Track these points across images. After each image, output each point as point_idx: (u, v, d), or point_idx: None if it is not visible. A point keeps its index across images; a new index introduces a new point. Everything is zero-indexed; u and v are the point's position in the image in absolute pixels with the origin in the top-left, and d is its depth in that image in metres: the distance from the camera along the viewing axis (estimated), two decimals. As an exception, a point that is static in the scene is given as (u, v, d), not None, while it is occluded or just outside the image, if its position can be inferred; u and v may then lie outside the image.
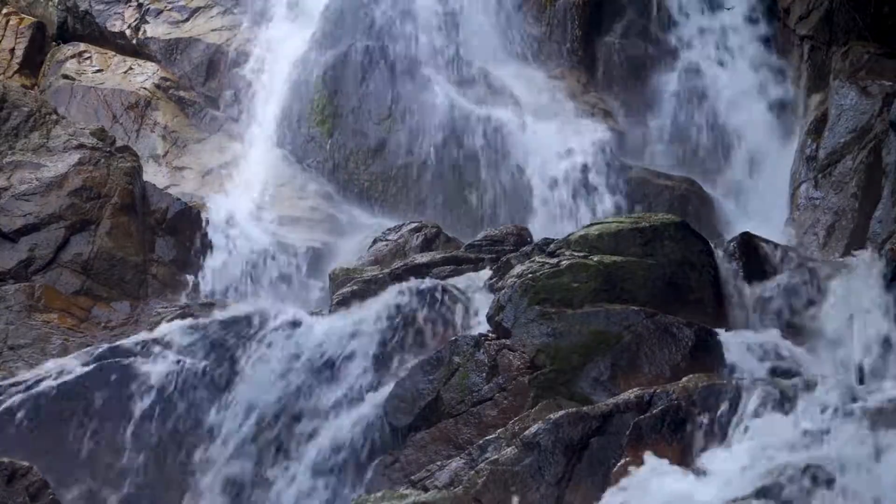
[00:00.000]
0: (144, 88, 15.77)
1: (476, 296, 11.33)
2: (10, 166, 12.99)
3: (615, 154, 15.16)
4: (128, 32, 16.41)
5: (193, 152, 15.38)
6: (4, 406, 10.59)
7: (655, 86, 16.12)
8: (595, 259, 10.72)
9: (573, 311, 10.39)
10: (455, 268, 12.09)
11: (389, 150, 15.17)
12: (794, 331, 10.76)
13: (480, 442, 9.57)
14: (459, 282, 11.63)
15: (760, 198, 15.09)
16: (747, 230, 11.95)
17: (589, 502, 8.78)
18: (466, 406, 10.12)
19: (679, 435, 8.95)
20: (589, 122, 15.53)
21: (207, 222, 13.70)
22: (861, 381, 10.06)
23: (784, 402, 8.99)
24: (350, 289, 11.93)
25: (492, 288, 11.32)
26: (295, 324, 11.29)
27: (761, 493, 8.26)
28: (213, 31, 16.38)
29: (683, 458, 8.83)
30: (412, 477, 9.60)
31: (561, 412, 9.26)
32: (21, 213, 12.69)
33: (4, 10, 16.39)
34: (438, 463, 9.61)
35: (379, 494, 9.33)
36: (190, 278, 13.22)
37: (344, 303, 11.76)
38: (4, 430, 10.45)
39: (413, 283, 11.45)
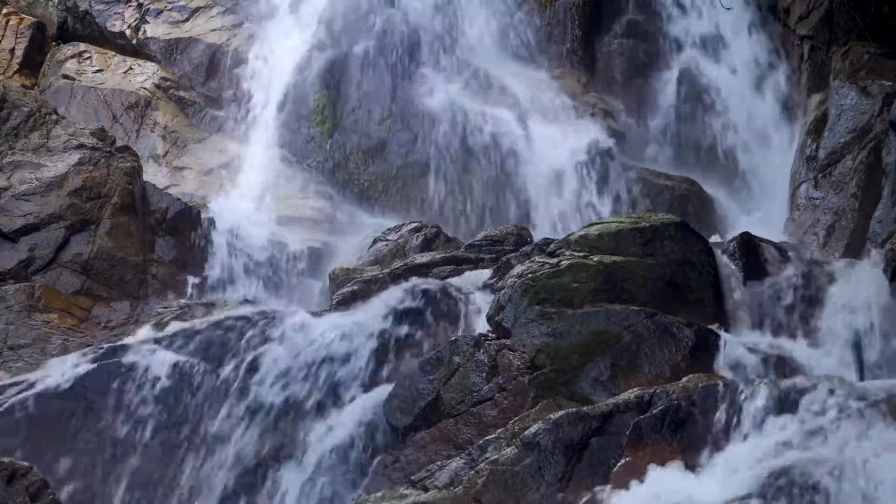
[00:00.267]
0: (144, 88, 15.77)
1: (476, 296, 11.33)
2: (10, 166, 13.00)
3: (615, 154, 15.16)
4: (128, 32, 16.41)
5: (193, 152, 15.38)
6: (4, 406, 10.59)
7: (655, 86, 16.13)
8: (595, 259, 10.72)
9: (573, 311, 10.39)
10: (455, 268, 12.09)
11: (389, 150, 15.18)
12: (793, 330, 10.76)
13: (480, 442, 9.57)
14: (459, 282, 11.63)
15: (760, 198, 15.10)
16: (747, 230, 11.96)
17: (589, 503, 8.78)
18: (466, 406, 10.12)
19: (679, 435, 8.95)
20: (589, 122, 15.54)
21: (207, 222, 13.70)
22: (861, 380, 10.06)
23: (784, 402, 8.99)
24: (350, 289, 11.93)
25: (492, 288, 11.32)
26: (295, 324, 11.28)
27: (761, 493, 8.25)
28: (213, 31, 16.39)
29: (683, 458, 8.83)
30: (412, 477, 9.60)
31: (561, 412, 9.25)
32: (21, 213, 12.69)
33: (4, 10, 16.39)
34: (438, 463, 9.61)
35: (379, 494, 9.33)
36: (190, 278, 13.22)
37: (344, 303, 11.76)
38: (4, 430, 10.45)
39: (413, 283, 11.45)
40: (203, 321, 11.45)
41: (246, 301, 12.56)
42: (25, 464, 8.84)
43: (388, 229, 13.50)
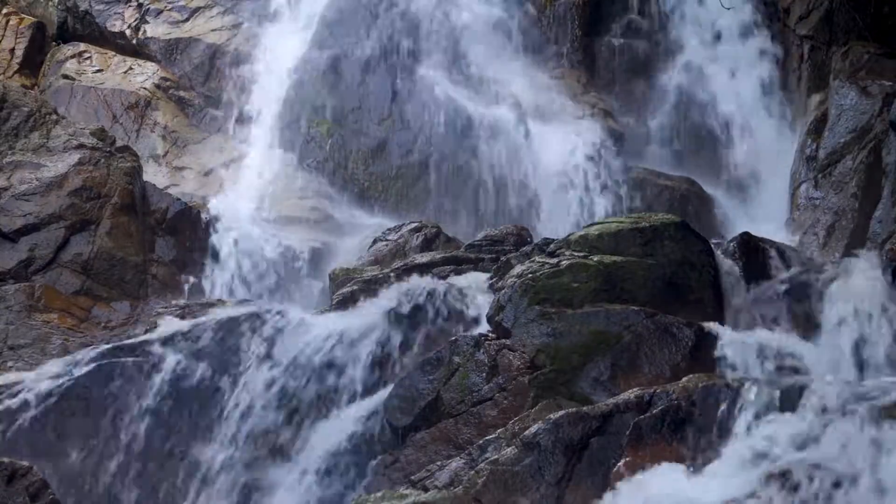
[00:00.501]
0: (144, 88, 15.77)
1: (476, 296, 11.33)
2: (10, 166, 12.99)
3: (615, 154, 15.16)
4: (128, 32, 16.41)
5: (193, 152, 15.38)
6: (4, 406, 10.59)
7: (655, 86, 16.12)
8: (595, 259, 10.72)
9: (573, 311, 10.39)
10: (455, 268, 12.09)
11: (389, 150, 15.18)
12: (793, 330, 10.76)
13: (480, 442, 9.57)
14: (459, 282, 11.63)
15: (760, 198, 15.10)
16: (747, 230, 11.96)
17: (589, 502, 8.78)
18: (466, 406, 10.12)
19: (679, 435, 8.95)
20: (589, 122, 15.53)
21: (207, 222, 13.69)
22: (861, 380, 10.06)
23: (784, 402, 8.99)
24: (350, 289, 11.93)
25: (492, 288, 11.32)
26: (295, 324, 11.29)
27: (761, 493, 8.25)
28: (213, 31, 16.38)
29: (683, 458, 8.83)
30: (412, 477, 9.60)
31: (561, 412, 9.25)
32: (21, 213, 12.69)
33: (4, 10, 16.39)
34: (438, 463, 9.61)
35: (379, 494, 9.33)
36: (190, 278, 13.21)
37: (344, 303, 11.76)
38: (4, 430, 10.45)
39: (413, 283, 11.45)
40: (203, 321, 11.45)
41: (246, 301, 12.55)
42: (25, 464, 8.84)
43: (388, 229, 13.50)
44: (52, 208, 12.74)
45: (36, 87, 15.70)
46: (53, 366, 11.08)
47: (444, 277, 11.76)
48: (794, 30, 15.49)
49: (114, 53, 16.29)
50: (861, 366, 10.38)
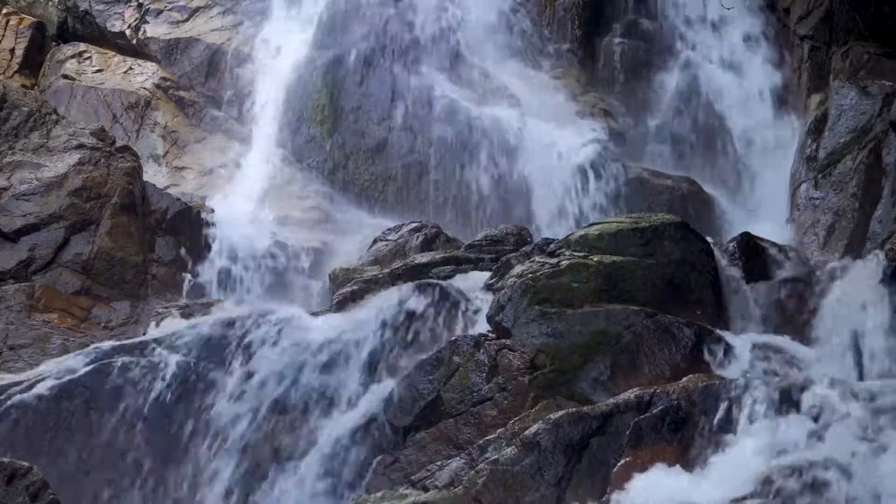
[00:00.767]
0: (144, 88, 15.77)
1: (476, 296, 11.33)
2: (10, 166, 12.99)
3: (615, 154, 15.15)
4: (128, 32, 16.41)
5: (193, 152, 15.38)
6: (4, 406, 10.59)
7: (655, 86, 16.12)
8: (595, 259, 10.72)
9: (573, 311, 10.40)
10: (455, 268, 12.09)
11: (389, 150, 15.18)
12: (793, 330, 10.77)
13: (480, 442, 9.57)
14: (459, 282, 11.63)
15: (760, 198, 15.10)
16: (747, 230, 11.96)
17: (589, 502, 8.78)
18: (466, 406, 10.12)
19: (679, 435, 8.95)
20: (589, 121, 15.53)
21: (207, 222, 13.69)
22: (861, 380, 10.06)
23: (784, 402, 8.99)
24: (350, 289, 11.93)
25: (492, 288, 11.32)
26: (294, 324, 11.28)
27: (761, 493, 8.26)
28: (213, 31, 16.38)
29: (683, 458, 8.83)
30: (412, 477, 9.60)
31: (561, 412, 9.26)
32: (21, 213, 12.68)
33: (4, 10, 16.39)
34: (438, 463, 9.62)
35: (379, 494, 9.33)
36: (190, 278, 13.21)
37: (344, 303, 11.76)
38: (4, 430, 10.45)
39: (413, 283, 11.45)
40: (202, 321, 11.45)
41: (245, 301, 12.55)
42: (25, 464, 8.84)
43: (388, 229, 13.49)
44: (52, 208, 12.74)
45: (36, 87, 15.70)
46: (53, 366, 11.08)
47: (444, 277, 11.76)
48: (794, 30, 15.49)
49: (114, 53, 16.29)
50: (860, 366, 10.38)
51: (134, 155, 13.63)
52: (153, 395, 10.78)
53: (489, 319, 10.70)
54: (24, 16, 16.47)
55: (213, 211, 13.91)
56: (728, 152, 15.67)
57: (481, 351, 10.32)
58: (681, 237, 10.91)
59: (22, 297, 12.12)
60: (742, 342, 10.34)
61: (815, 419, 8.79)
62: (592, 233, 11.05)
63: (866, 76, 13.65)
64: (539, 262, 10.85)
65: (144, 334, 11.64)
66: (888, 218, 12.13)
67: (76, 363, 11.02)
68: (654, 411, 9.06)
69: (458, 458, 9.53)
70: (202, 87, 16.00)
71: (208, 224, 13.68)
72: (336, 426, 10.43)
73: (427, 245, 13.00)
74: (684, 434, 8.95)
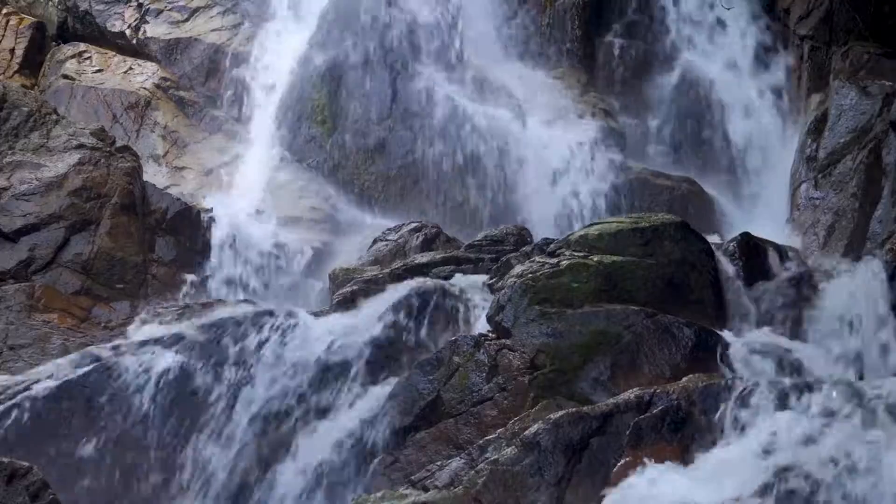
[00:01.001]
0: (144, 88, 15.76)
1: (476, 296, 11.33)
2: (10, 166, 12.99)
3: (615, 154, 15.15)
4: (128, 32, 16.40)
5: (193, 152, 15.37)
6: (4, 406, 10.59)
7: (655, 86, 16.13)
8: (595, 259, 10.72)
9: (573, 311, 10.40)
10: (455, 268, 12.09)
11: (389, 150, 15.17)
12: (793, 330, 10.77)
13: (480, 442, 9.57)
14: (459, 282, 11.63)
15: (760, 198, 15.10)
16: (747, 230, 11.96)
17: (589, 502, 8.78)
18: (466, 406, 10.12)
19: (679, 435, 8.95)
20: (589, 121, 15.53)
21: (207, 222, 13.69)
22: (861, 379, 10.06)
23: (784, 402, 8.99)
24: (350, 289, 11.93)
25: (492, 288, 11.32)
26: (294, 324, 11.28)
27: (761, 493, 8.26)
28: (213, 31, 16.38)
29: (683, 458, 8.83)
30: (412, 477, 9.60)
31: (561, 412, 9.26)
32: (21, 213, 12.68)
33: (4, 10, 16.38)
34: (438, 463, 9.62)
35: (379, 494, 9.33)
36: (190, 278, 13.21)
37: (344, 303, 11.76)
38: (4, 430, 10.45)
39: (413, 283, 11.45)
40: (203, 321, 11.45)
41: (245, 301, 12.54)
42: (25, 464, 8.83)
43: (388, 229, 13.50)
44: (52, 208, 12.74)
45: (36, 87, 15.69)
46: (53, 366, 11.07)
47: (444, 277, 11.76)
48: (794, 30, 15.50)
49: (114, 53, 16.28)
50: (861, 366, 10.39)
51: (134, 155, 13.63)
52: (153, 394, 10.78)
53: (489, 319, 10.70)
54: (24, 16, 16.46)
55: (212, 211, 13.92)
56: (727, 152, 15.68)
57: (481, 351, 10.32)
58: (681, 237, 10.92)
59: (22, 297, 12.12)
60: (742, 342, 10.35)
61: (815, 419, 8.79)
62: (592, 233, 11.05)
63: (866, 76, 13.66)
64: (539, 262, 10.85)
65: (144, 334, 11.62)
66: (888, 218, 12.13)
67: (76, 363, 11.02)
68: (654, 411, 9.07)
69: (458, 458, 9.53)
70: (202, 87, 16.00)
71: (208, 224, 13.69)
72: (336, 426, 10.43)
73: (427, 245, 13.00)
74: (684, 434, 8.95)
